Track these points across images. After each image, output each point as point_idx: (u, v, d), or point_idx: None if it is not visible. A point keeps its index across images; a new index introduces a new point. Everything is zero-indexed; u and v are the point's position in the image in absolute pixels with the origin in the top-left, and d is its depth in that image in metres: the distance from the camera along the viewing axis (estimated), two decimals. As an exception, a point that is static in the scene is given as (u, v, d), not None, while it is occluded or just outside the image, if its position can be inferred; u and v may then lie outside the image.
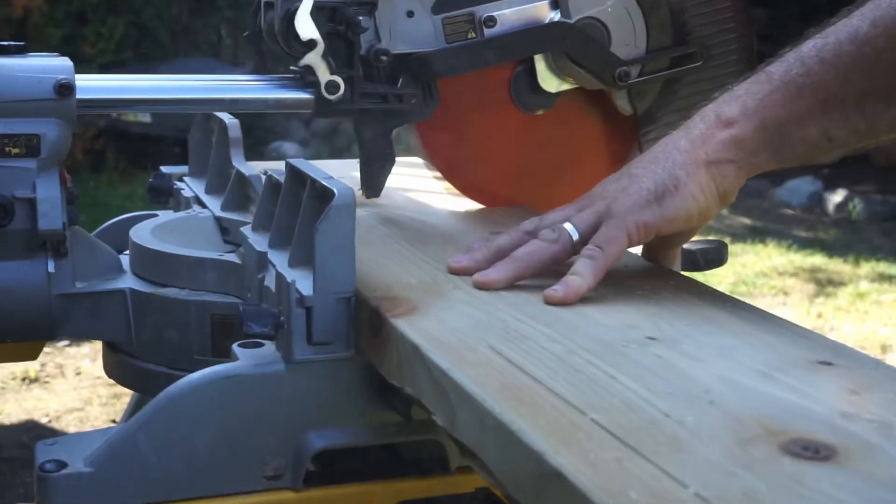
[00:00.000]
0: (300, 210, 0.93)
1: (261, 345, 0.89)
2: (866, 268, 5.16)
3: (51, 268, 0.97)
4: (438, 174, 1.24)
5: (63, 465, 0.82)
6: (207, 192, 1.28)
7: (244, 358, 0.87)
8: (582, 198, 0.93)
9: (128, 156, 6.34)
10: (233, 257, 1.03)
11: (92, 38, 6.82)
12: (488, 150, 1.24)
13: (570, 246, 0.89)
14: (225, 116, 1.27)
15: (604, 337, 0.77)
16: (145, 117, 6.24)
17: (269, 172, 1.05)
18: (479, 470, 0.66)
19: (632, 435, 0.60)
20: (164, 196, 1.38)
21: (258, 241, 0.99)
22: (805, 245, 5.59)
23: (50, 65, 0.97)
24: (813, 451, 0.58)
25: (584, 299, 0.85)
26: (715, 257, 1.29)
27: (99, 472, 0.82)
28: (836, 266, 5.20)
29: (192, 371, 0.86)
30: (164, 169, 1.43)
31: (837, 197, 6.42)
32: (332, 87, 1.07)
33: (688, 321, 0.81)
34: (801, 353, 0.75)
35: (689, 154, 0.88)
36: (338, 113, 1.10)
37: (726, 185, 0.88)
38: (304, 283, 0.86)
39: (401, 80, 1.12)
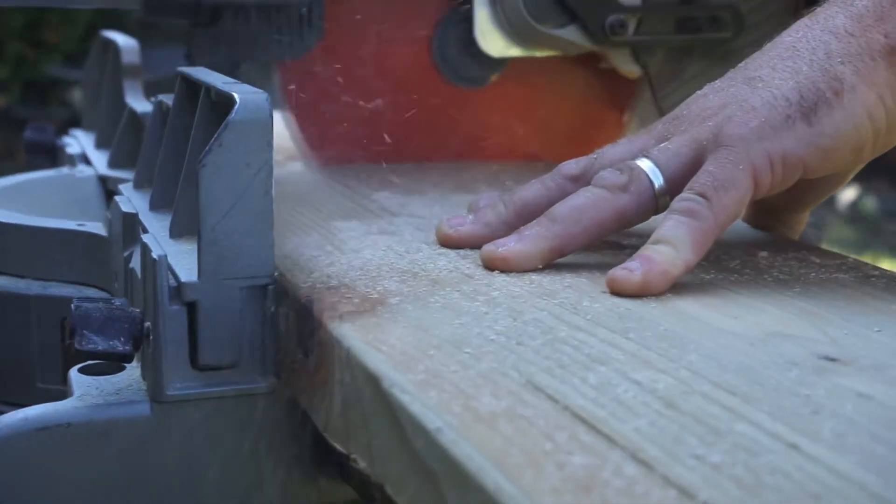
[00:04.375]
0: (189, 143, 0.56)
1: (119, 369, 0.52)
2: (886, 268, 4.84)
3: None
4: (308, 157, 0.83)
5: None
6: (98, 145, 0.92)
7: (81, 391, 0.50)
8: (662, 121, 0.56)
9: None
10: (98, 227, 0.66)
11: (56, 25, 6.45)
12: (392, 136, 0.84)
13: (649, 196, 0.52)
14: (119, 38, 0.91)
15: (742, 358, 0.40)
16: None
17: (162, 98, 0.68)
18: None
19: None
20: (45, 154, 1.01)
21: (133, 201, 0.62)
22: (817, 244, 5.28)
23: None
24: None
25: (679, 286, 0.48)
26: (809, 237, 0.94)
27: None
28: (852, 266, 4.89)
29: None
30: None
31: (849, 194, 6.13)
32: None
33: (879, 326, 0.44)
34: None
35: (854, 39, 0.51)
36: (176, 10, 0.72)
37: (922, 90, 0.51)
38: (184, 260, 0.49)
39: None
